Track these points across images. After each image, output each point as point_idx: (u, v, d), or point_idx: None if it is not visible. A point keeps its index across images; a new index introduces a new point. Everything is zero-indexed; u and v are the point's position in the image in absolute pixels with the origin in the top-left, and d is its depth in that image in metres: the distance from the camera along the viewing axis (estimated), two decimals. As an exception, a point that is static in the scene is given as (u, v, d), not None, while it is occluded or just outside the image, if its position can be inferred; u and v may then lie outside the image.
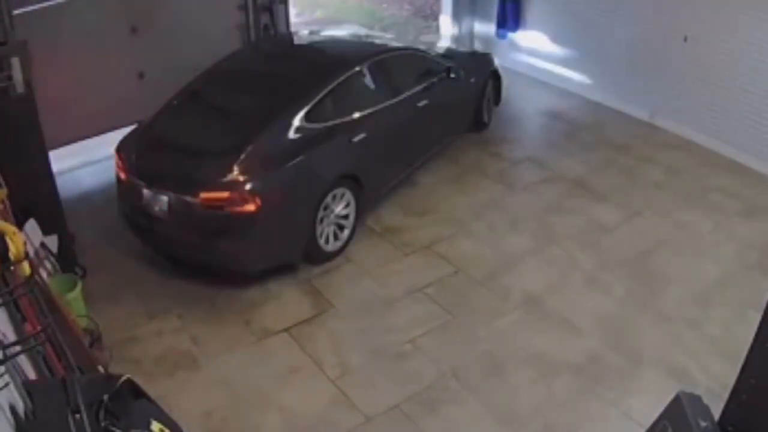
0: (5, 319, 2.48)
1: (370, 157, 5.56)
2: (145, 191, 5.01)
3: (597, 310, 4.96)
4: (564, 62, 8.31)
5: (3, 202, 3.81)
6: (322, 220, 5.26)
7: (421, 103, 6.15)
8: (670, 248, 5.58)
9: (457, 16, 9.30)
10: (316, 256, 5.37)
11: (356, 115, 5.54)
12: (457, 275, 5.32)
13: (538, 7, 8.51)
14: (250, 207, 4.76)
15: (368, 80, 5.79)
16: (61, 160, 6.22)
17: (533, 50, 8.69)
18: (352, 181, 5.43)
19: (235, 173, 4.79)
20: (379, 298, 5.09)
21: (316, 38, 6.94)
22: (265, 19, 7.46)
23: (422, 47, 7.03)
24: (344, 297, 5.10)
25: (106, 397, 2.10)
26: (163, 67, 6.80)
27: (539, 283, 5.22)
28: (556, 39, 8.38)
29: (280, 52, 6.58)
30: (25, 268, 2.64)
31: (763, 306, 2.37)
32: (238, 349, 4.65)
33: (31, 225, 4.35)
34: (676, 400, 2.57)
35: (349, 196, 5.44)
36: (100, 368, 3.55)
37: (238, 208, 4.75)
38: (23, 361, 2.33)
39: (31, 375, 2.38)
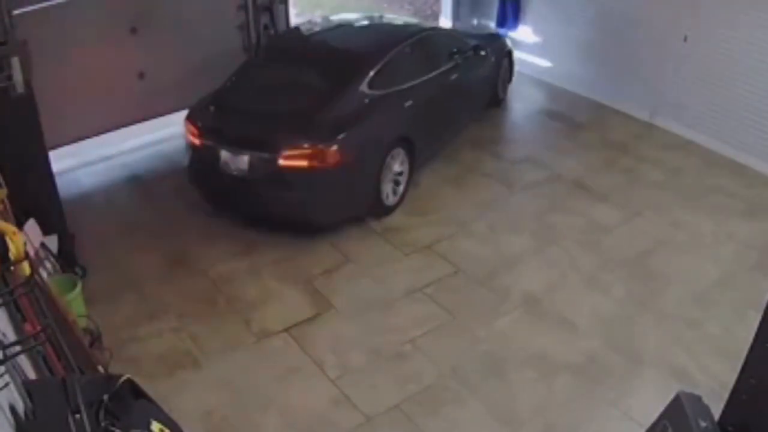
0: (5, 319, 2.48)
1: (418, 121, 6.16)
2: (224, 153, 5.43)
3: (597, 310, 4.96)
4: (564, 62, 8.31)
5: (3, 202, 3.81)
6: (384, 175, 5.78)
7: (453, 77, 6.71)
8: (670, 248, 5.58)
9: (457, 15, 9.30)
10: (379, 210, 5.91)
11: (406, 84, 6.09)
12: (457, 275, 5.32)
13: (537, 6, 8.52)
14: (330, 162, 5.28)
15: (413, 55, 6.35)
16: (61, 160, 6.23)
17: (533, 49, 8.69)
18: (406, 142, 5.99)
19: (315, 132, 5.32)
20: (379, 298, 5.09)
21: (358, 21, 7.55)
22: (265, 19, 7.45)
23: (452, 28, 7.94)
24: (344, 297, 5.10)
25: (106, 397, 2.10)
26: (163, 67, 6.80)
27: (539, 283, 5.22)
28: (555, 38, 8.38)
29: (332, 30, 7.04)
30: (25, 268, 2.64)
31: (763, 306, 2.37)
32: (238, 349, 4.65)
33: (31, 225, 4.35)
34: (676, 400, 2.57)
35: (403, 155, 5.98)
36: (100, 368, 3.55)
37: (318, 164, 5.26)
38: (23, 361, 2.33)
39: (31, 375, 2.38)
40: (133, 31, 6.60)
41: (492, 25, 8.93)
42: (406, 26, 7.32)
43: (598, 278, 5.26)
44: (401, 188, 6.09)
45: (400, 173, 6.04)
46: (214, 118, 5.72)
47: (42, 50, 5.40)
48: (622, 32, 7.53)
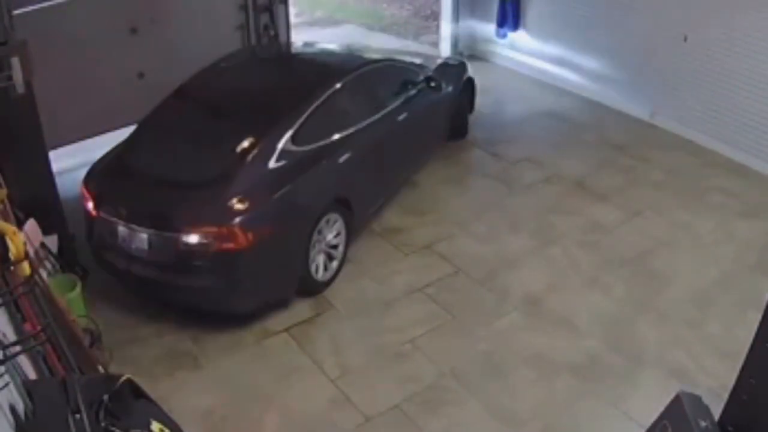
0: (5, 319, 2.48)
1: (357, 177, 5.30)
2: (121, 228, 4.60)
3: (597, 310, 4.96)
4: (564, 62, 8.31)
5: (3, 202, 3.81)
6: (314, 248, 4.93)
7: (402, 117, 5.85)
8: (670, 248, 5.58)
9: (456, 15, 9.29)
10: (310, 288, 5.04)
11: (341, 134, 5.21)
12: (457, 275, 5.31)
13: (537, 6, 8.51)
14: (240, 243, 4.40)
15: (351, 96, 5.47)
16: (61, 160, 6.22)
17: (533, 50, 8.69)
18: (342, 205, 5.15)
19: (222, 206, 4.45)
20: (379, 298, 5.09)
21: (288, 51, 6.82)
22: (265, 19, 7.46)
23: (400, 57, 6.65)
24: (344, 297, 5.10)
25: (106, 397, 2.10)
26: (163, 67, 6.79)
27: (539, 283, 5.22)
28: (556, 38, 8.37)
29: (255, 67, 6.20)
30: (25, 268, 2.64)
31: (763, 306, 2.37)
32: (238, 349, 4.64)
33: (31, 225, 4.35)
34: (676, 400, 2.56)
35: (339, 221, 5.15)
36: (100, 368, 3.55)
37: (227, 245, 4.40)
38: (23, 361, 2.33)
39: (31, 375, 2.38)
40: (133, 31, 6.59)
41: (492, 25, 8.93)
42: (343, 59, 6.22)
43: (598, 278, 5.26)
44: (336, 261, 5.22)
45: (335, 244, 5.18)
46: (111, 185, 4.86)
47: (42, 50, 5.40)
48: (622, 32, 7.52)
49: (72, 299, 4.25)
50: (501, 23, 8.79)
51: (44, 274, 4.08)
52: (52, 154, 5.15)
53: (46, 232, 4.57)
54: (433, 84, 6.28)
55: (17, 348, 2.20)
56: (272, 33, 7.45)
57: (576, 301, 5.05)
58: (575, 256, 5.51)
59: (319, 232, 4.97)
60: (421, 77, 6.24)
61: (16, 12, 5.21)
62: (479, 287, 5.20)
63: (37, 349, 2.56)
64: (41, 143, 4.85)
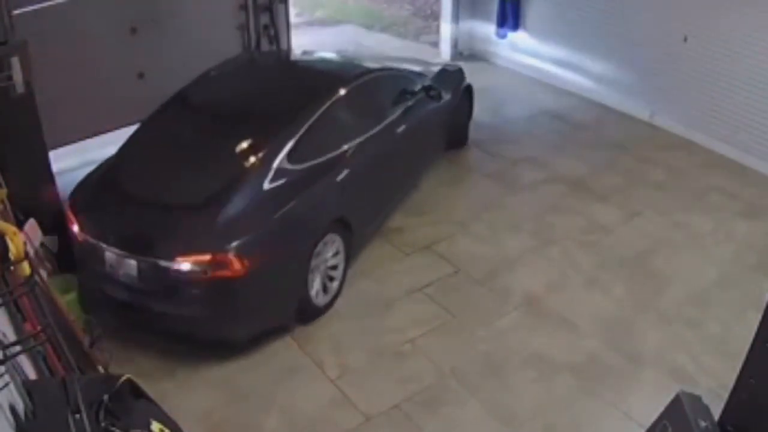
0: (5, 319, 2.48)
1: (357, 195, 5.06)
2: (108, 255, 4.33)
3: (597, 310, 4.96)
4: (564, 62, 8.31)
5: (3, 202, 3.81)
6: (312, 272, 4.69)
7: (401, 129, 5.65)
8: (670, 248, 5.58)
9: (456, 16, 9.29)
10: (308, 313, 4.79)
11: (339, 150, 4.99)
12: (457, 275, 5.31)
13: (538, 6, 8.51)
14: (237, 270, 4.16)
15: (347, 109, 5.22)
16: (61, 160, 6.22)
17: (533, 50, 8.69)
18: (341, 225, 4.92)
19: (217, 231, 4.22)
20: (379, 298, 5.08)
21: (283, 60, 6.60)
22: (265, 19, 7.46)
23: (397, 65, 6.40)
24: (344, 297, 5.10)
25: (106, 397, 2.10)
26: (163, 67, 6.79)
27: (539, 283, 5.22)
28: (556, 39, 8.38)
29: (249, 77, 5.85)
30: (25, 268, 2.64)
31: (763, 306, 2.37)
32: (238, 349, 4.64)
33: (31, 225, 4.35)
34: (676, 400, 2.57)
35: (338, 242, 4.91)
36: (100, 368, 3.55)
37: (222, 273, 4.16)
38: (23, 361, 2.33)
39: (31, 375, 2.38)
40: (133, 31, 6.59)
41: (492, 25, 8.93)
42: (339, 69, 5.98)
43: (598, 278, 5.26)
44: (336, 282, 4.98)
45: (335, 265, 4.95)
46: (100, 206, 4.61)
47: (42, 50, 5.40)
48: (622, 32, 7.53)
49: (69, 301, 4.25)
50: (501, 23, 8.80)
51: (44, 274, 4.08)
52: (52, 154, 5.15)
53: (46, 232, 4.57)
54: (432, 93, 6.09)
55: (17, 348, 2.20)
56: (272, 33, 7.45)
57: (576, 301, 5.05)
58: (575, 256, 5.51)
59: (318, 255, 4.73)
60: (420, 86, 6.04)
61: (16, 12, 5.21)
62: (479, 287, 5.20)
63: (37, 349, 2.56)
64: (41, 143, 4.85)
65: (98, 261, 4.40)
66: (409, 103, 5.85)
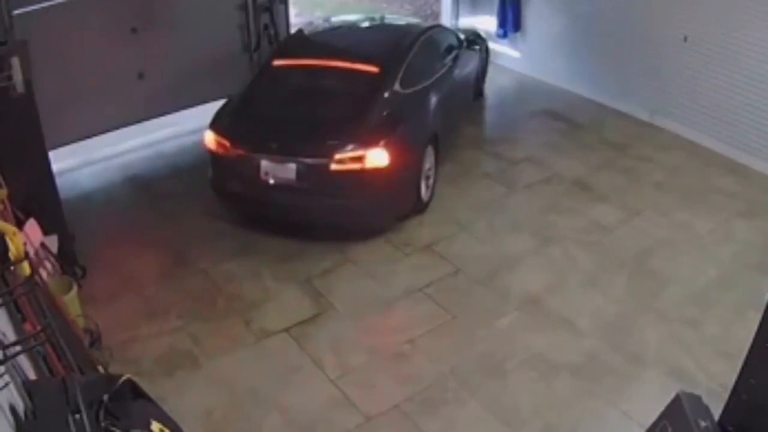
0: (5, 319, 2.48)
1: (441, 116, 6.22)
2: (264, 162, 5.28)
3: (597, 310, 4.96)
4: (564, 62, 8.31)
5: (3, 202, 3.81)
6: (422, 173, 5.80)
7: (456, 72, 6.82)
8: (670, 248, 5.58)
9: (457, 15, 9.30)
10: (419, 206, 5.92)
11: (428, 81, 6.14)
12: (457, 275, 5.32)
13: (538, 6, 8.51)
14: (381, 163, 5.25)
15: (427, 53, 6.35)
16: (61, 160, 6.23)
17: (533, 50, 8.69)
18: (435, 137, 6.02)
19: (364, 134, 5.28)
20: (379, 298, 5.09)
21: (368, 21, 7.62)
22: (265, 19, 7.46)
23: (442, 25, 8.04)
24: (344, 297, 5.10)
25: (106, 397, 2.10)
26: (163, 67, 6.81)
27: (539, 283, 5.22)
28: (556, 39, 8.37)
29: (349, 30, 7.08)
30: (25, 268, 2.64)
31: (763, 306, 2.37)
32: (238, 349, 4.65)
33: (31, 225, 4.35)
34: (676, 400, 2.57)
35: (432, 153, 6.00)
36: (100, 368, 3.55)
37: (372, 165, 5.22)
38: (23, 361, 2.33)
39: (31, 375, 2.38)
40: (133, 31, 6.60)
41: (492, 25, 8.92)
42: (410, 25, 7.40)
43: (598, 278, 5.26)
44: (431, 183, 6.11)
45: (430, 169, 6.03)
46: (247, 125, 5.60)
47: (42, 50, 5.40)
48: (622, 32, 7.52)
49: (68, 302, 4.25)
50: (501, 24, 8.79)
51: (44, 274, 4.08)
52: (52, 154, 5.15)
53: (46, 232, 4.57)
54: (472, 45, 7.44)
55: (17, 348, 2.20)
56: (272, 33, 7.46)
57: (576, 301, 5.04)
58: (575, 256, 5.51)
59: (425, 159, 5.84)
60: (461, 41, 7.20)
61: (16, 12, 5.22)
62: (479, 287, 5.20)
63: (37, 349, 2.56)
64: (41, 143, 4.85)
65: (252, 169, 5.31)
66: (458, 51, 7.01)
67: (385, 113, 5.56)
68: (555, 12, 8.34)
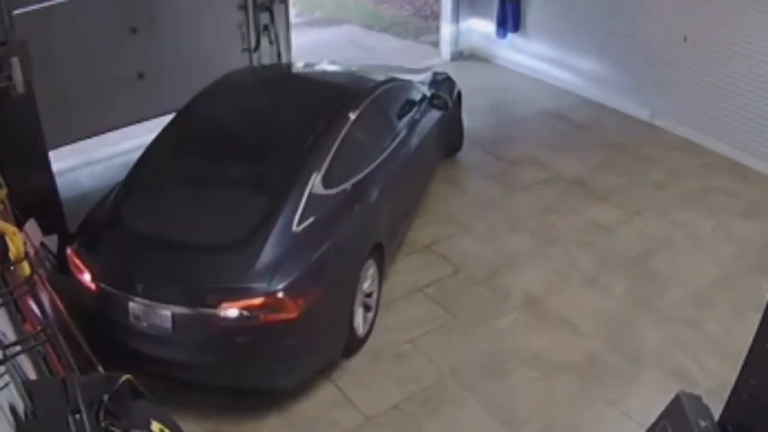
0: (5, 319, 2.48)
1: (386, 216, 4.78)
2: (133, 305, 3.84)
3: (597, 310, 4.96)
4: (564, 62, 8.31)
5: (3, 202, 3.81)
6: (356, 302, 4.38)
7: (414, 141, 5.39)
8: (670, 248, 5.58)
9: (457, 15, 9.29)
10: (351, 347, 4.46)
11: (368, 169, 4.67)
12: (457, 275, 5.31)
13: (538, 6, 8.51)
14: (291, 312, 3.77)
15: (369, 125, 4.92)
16: (61, 160, 6.22)
17: (533, 50, 8.69)
18: (376, 249, 4.60)
19: (264, 271, 3.80)
20: (379, 298, 5.08)
21: (291, 77, 6.14)
22: (265, 19, 7.46)
23: (397, 74, 5.94)
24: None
25: (106, 397, 2.10)
26: (163, 67, 6.79)
27: (539, 283, 5.22)
28: (556, 39, 8.37)
29: (260, 93, 5.34)
30: (25, 268, 2.64)
31: (763, 306, 2.37)
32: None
33: (31, 225, 4.35)
34: (676, 400, 2.57)
35: (374, 268, 4.58)
36: (100, 368, 3.55)
37: (275, 317, 3.76)
38: (23, 361, 2.33)
39: (31, 375, 2.38)
40: (133, 31, 6.59)
41: (492, 25, 8.92)
42: (351, 82, 5.59)
43: (598, 278, 5.26)
44: (371, 312, 4.67)
45: (371, 292, 4.62)
46: (114, 250, 4.09)
47: (42, 50, 5.40)
48: (622, 32, 7.52)
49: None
50: (501, 23, 8.79)
51: (44, 274, 4.08)
52: (52, 154, 5.15)
53: (46, 232, 4.57)
54: (436, 102, 5.85)
55: (17, 348, 2.20)
56: (272, 33, 7.45)
57: (576, 301, 5.04)
58: (575, 256, 5.51)
59: (361, 283, 4.43)
60: (422, 95, 5.83)
61: (16, 12, 5.21)
62: (479, 287, 5.19)
63: (37, 349, 2.56)
64: (41, 143, 4.85)
65: (120, 313, 3.90)
66: (417, 113, 5.63)
67: (298, 231, 4.00)
68: (554, 12, 8.34)
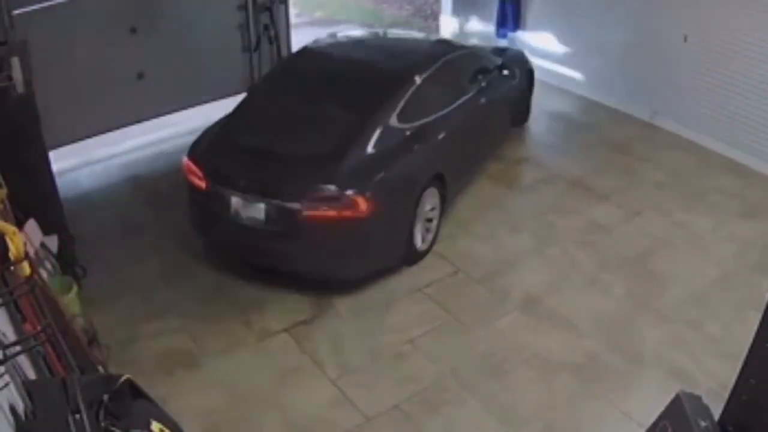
0: (5, 319, 2.48)
1: (450, 155, 5.61)
2: (235, 199, 4.80)
3: (597, 310, 4.96)
4: (564, 62, 8.31)
5: (3, 202, 3.81)
6: (417, 220, 5.20)
7: (481, 102, 6.19)
8: (670, 248, 5.58)
9: (456, 15, 9.30)
10: (410, 257, 5.30)
11: (437, 114, 5.51)
12: (457, 275, 5.31)
13: (538, 6, 8.52)
14: (361, 211, 4.65)
15: (441, 80, 5.74)
16: (61, 160, 6.23)
17: (533, 50, 8.65)
18: (439, 180, 5.42)
19: (342, 177, 4.69)
20: (379, 298, 5.08)
21: (374, 40, 6.93)
22: (265, 19, 7.47)
23: (475, 46, 7.19)
24: (344, 297, 5.10)
25: (106, 397, 2.10)
26: (163, 67, 6.81)
27: (539, 283, 5.22)
28: (556, 39, 8.38)
29: (346, 53, 6.25)
30: (25, 268, 2.64)
31: (763, 306, 2.37)
32: (238, 349, 4.64)
33: (31, 225, 4.35)
34: (676, 400, 2.56)
35: (435, 194, 5.42)
36: (100, 368, 3.55)
37: (348, 213, 4.63)
38: (23, 361, 2.33)
39: (31, 375, 2.38)
40: (133, 31, 6.61)
41: (492, 25, 8.92)
42: (429, 46, 6.55)
43: (598, 278, 5.26)
44: (432, 231, 5.50)
45: (433, 211, 5.45)
46: (222, 158, 5.08)
47: (42, 50, 5.40)
48: (622, 32, 7.53)
49: (68, 302, 4.24)
50: (501, 23, 8.80)
51: (44, 274, 4.08)
52: (52, 154, 5.15)
53: (46, 232, 4.57)
54: (506, 72, 6.61)
55: (17, 348, 2.20)
56: (272, 33, 7.46)
57: (576, 301, 5.05)
58: (575, 256, 5.51)
59: (420, 208, 5.21)
60: (495, 65, 6.57)
61: (16, 12, 5.22)
62: (479, 287, 5.20)
63: (37, 349, 2.56)
64: (41, 143, 4.85)
65: (223, 206, 4.85)
66: (488, 79, 6.34)
67: (373, 151, 4.91)
68: (554, 12, 8.35)
